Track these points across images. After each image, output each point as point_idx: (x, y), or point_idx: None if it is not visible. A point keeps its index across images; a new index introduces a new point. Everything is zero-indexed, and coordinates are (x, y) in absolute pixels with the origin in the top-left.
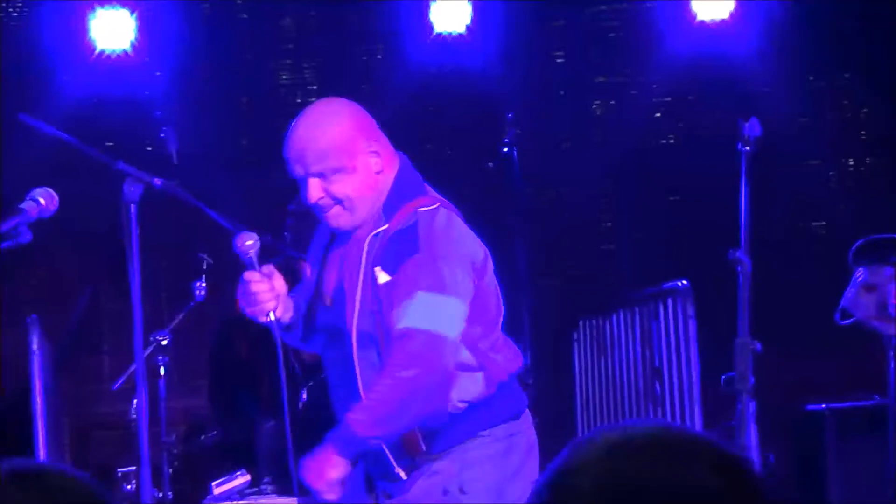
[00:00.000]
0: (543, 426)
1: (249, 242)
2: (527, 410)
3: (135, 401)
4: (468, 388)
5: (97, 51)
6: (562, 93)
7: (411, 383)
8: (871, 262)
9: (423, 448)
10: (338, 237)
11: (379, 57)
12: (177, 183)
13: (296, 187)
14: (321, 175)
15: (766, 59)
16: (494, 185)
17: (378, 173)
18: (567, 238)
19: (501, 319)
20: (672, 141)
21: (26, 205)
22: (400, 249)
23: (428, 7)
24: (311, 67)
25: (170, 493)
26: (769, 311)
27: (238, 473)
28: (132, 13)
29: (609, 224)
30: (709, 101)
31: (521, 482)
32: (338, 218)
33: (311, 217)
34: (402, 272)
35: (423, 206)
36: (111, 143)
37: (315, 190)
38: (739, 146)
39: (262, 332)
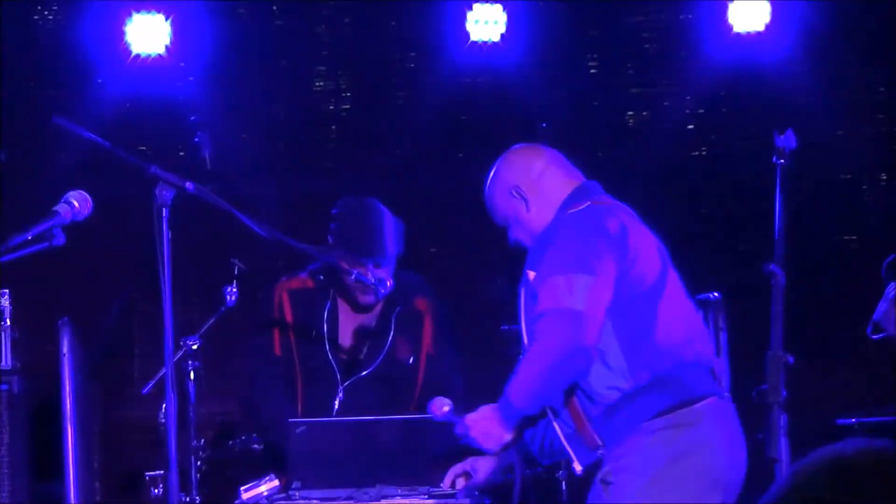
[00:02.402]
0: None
1: (446, 409)
2: (705, 402)
3: (164, 405)
4: (615, 377)
5: (133, 55)
6: (596, 103)
7: (546, 357)
8: None
9: (600, 442)
10: None
11: (413, 65)
12: (210, 188)
13: (338, 192)
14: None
15: (801, 71)
16: None
17: (528, 212)
18: None
19: (676, 299)
20: (705, 153)
21: (60, 207)
22: (539, 247)
23: (464, 15)
24: (346, 74)
25: (198, 498)
26: (802, 325)
27: (267, 478)
28: (167, 18)
29: None
30: (743, 113)
31: (673, 478)
32: None
33: (354, 219)
34: (544, 264)
35: (571, 210)
36: (145, 147)
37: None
38: (774, 159)
39: (297, 334)
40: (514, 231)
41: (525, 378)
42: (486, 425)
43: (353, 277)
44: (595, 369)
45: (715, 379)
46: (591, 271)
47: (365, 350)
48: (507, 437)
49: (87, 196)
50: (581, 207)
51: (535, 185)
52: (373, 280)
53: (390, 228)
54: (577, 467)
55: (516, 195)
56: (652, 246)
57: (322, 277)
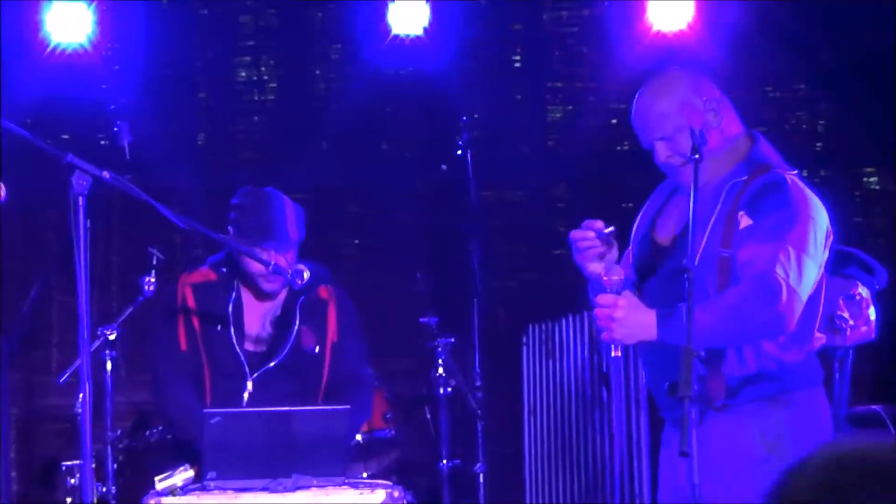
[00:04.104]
0: (490, 429)
1: (616, 278)
2: (822, 385)
3: (80, 395)
4: (781, 348)
5: (52, 45)
6: (518, 97)
7: (748, 321)
8: None
9: (723, 398)
10: (680, 189)
11: (336, 57)
12: (129, 177)
13: (261, 183)
14: (665, 139)
15: (723, 69)
16: (448, 188)
17: (717, 128)
18: (519, 242)
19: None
20: (627, 148)
21: None
22: (768, 199)
23: (386, 8)
24: (270, 66)
25: (113, 488)
26: None
27: (181, 468)
28: (90, 5)
29: (562, 229)
30: None
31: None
32: (687, 174)
33: (253, 211)
34: (772, 221)
35: (782, 170)
36: (65, 136)
37: (662, 151)
38: (690, 154)
39: (202, 328)
40: (684, 145)
41: (713, 323)
42: (634, 324)
43: (270, 268)
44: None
45: None
46: (820, 265)
47: (271, 341)
48: (640, 339)
49: (1, 184)
50: (794, 173)
51: (725, 107)
52: (289, 270)
53: (291, 215)
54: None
55: (710, 108)
56: None
57: (225, 269)
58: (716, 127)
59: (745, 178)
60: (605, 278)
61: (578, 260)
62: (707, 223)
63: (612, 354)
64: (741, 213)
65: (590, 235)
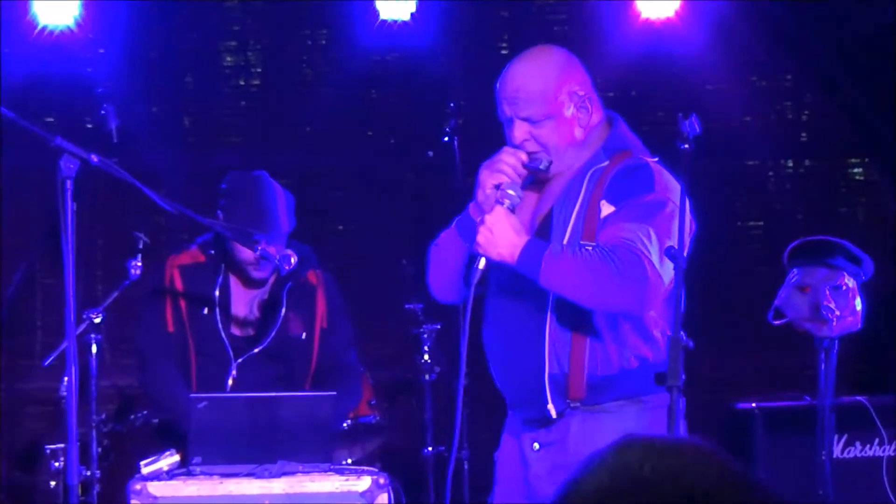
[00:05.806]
0: (475, 416)
1: (512, 193)
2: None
3: (65, 378)
4: (645, 347)
5: (40, 26)
6: None
7: (611, 280)
8: (806, 264)
9: (583, 396)
10: (528, 178)
11: (323, 42)
12: (116, 161)
13: (246, 168)
14: (529, 120)
15: (710, 58)
16: (435, 174)
17: (584, 126)
18: None
19: None
20: None
21: None
22: (630, 184)
23: None
24: (256, 50)
25: (98, 472)
26: (703, 309)
27: (167, 453)
28: None
29: None
30: (651, 98)
31: None
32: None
33: (242, 195)
34: (635, 205)
35: (643, 155)
36: (51, 119)
37: (521, 132)
38: (679, 143)
39: (189, 310)
40: (547, 133)
41: (576, 270)
42: (501, 235)
43: (258, 252)
44: (630, 337)
45: None
46: (680, 256)
47: (257, 326)
48: (501, 259)
49: None
50: (655, 159)
51: (594, 99)
52: (277, 256)
53: (282, 204)
54: (553, 413)
55: (580, 102)
56: None
57: (213, 252)
58: (585, 123)
59: (606, 163)
60: (501, 189)
61: (486, 175)
62: (570, 213)
63: (476, 266)
64: (603, 201)
65: (522, 157)
